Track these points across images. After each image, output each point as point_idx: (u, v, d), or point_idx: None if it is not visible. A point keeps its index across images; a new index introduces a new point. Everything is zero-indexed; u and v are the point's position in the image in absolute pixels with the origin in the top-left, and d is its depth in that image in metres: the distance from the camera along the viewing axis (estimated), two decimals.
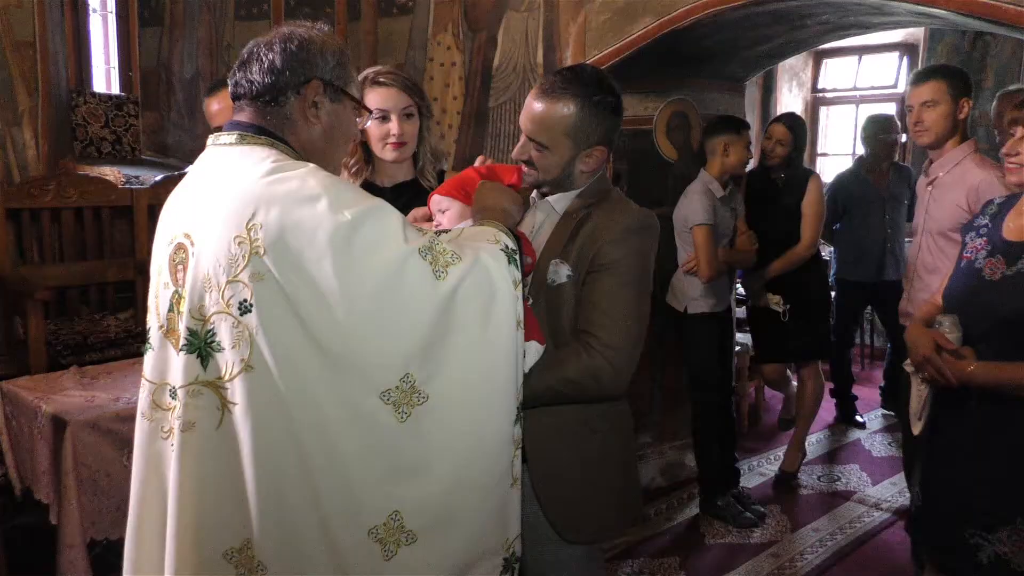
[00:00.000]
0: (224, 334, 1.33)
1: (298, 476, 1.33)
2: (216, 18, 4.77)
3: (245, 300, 1.30)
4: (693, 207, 3.46)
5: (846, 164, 6.68)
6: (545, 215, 1.79)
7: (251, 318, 1.30)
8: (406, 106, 2.18)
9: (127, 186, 4.15)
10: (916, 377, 2.07)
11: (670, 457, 4.15)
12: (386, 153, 2.20)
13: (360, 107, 1.58)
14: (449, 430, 1.38)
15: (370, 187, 2.27)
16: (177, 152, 4.98)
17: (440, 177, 2.30)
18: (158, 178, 4.31)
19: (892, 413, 4.97)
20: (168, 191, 1.56)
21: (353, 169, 2.28)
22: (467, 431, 1.40)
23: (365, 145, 2.23)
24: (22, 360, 3.59)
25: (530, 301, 1.69)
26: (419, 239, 1.38)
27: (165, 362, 1.45)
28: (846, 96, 7.07)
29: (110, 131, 4.65)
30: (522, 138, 1.75)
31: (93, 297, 4.01)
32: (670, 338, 3.91)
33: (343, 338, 1.31)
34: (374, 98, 2.17)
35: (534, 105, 1.71)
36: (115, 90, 4.94)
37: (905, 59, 6.61)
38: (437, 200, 1.72)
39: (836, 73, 7.15)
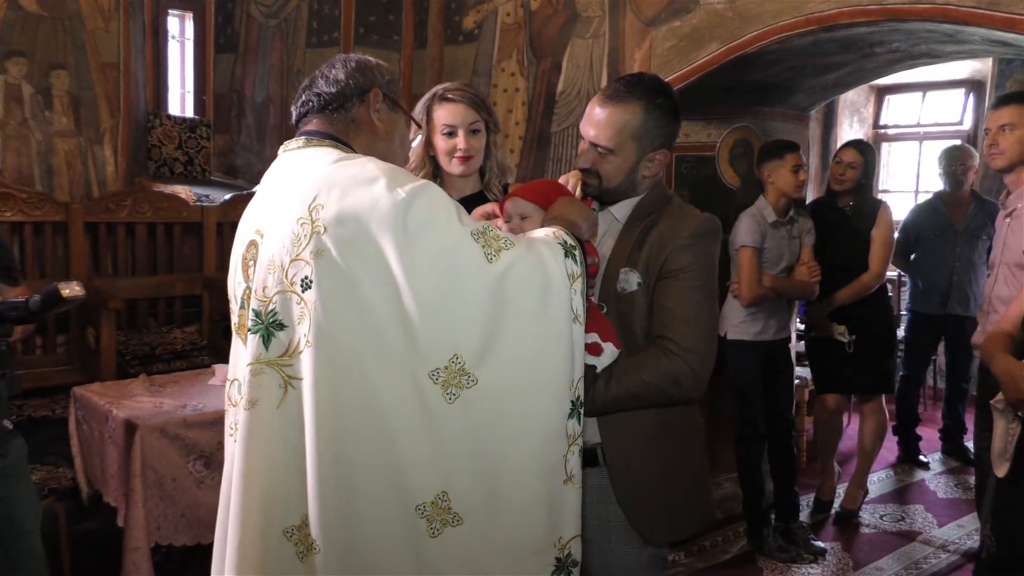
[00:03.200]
0: (286, 312, 1.38)
1: (355, 451, 1.35)
2: (288, 45, 4.93)
3: (307, 277, 1.35)
4: (740, 229, 3.48)
5: (908, 201, 6.57)
6: (607, 224, 1.80)
7: (311, 294, 1.34)
8: (473, 121, 2.22)
9: (198, 204, 4.28)
10: (1004, 415, 1.96)
11: (726, 489, 4.05)
12: (453, 167, 2.24)
13: (411, 121, 1.72)
14: (497, 416, 1.38)
15: None
16: (245, 173, 5.12)
17: (505, 190, 2.33)
18: (227, 197, 4.44)
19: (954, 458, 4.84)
20: (236, 209, 1.65)
21: None
22: (515, 419, 1.39)
23: (433, 159, 2.28)
24: (93, 368, 3.70)
25: (604, 310, 1.70)
26: (472, 223, 1.42)
27: (236, 357, 1.51)
28: (909, 133, 6.96)
29: (183, 152, 4.81)
30: (583, 145, 1.77)
31: (161, 310, 4.13)
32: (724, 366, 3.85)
33: (395, 314, 1.33)
34: (442, 113, 2.22)
35: (599, 111, 1.73)
36: (189, 113, 5.12)
37: (972, 96, 6.50)
38: (520, 204, 1.70)
39: (898, 109, 7.06)
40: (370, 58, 1.64)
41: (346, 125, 1.56)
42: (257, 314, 1.41)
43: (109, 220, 3.94)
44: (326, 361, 1.34)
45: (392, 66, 5.12)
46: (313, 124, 1.56)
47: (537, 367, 1.40)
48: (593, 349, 1.60)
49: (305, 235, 1.35)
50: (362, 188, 1.36)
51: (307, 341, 1.35)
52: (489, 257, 1.37)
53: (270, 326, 1.40)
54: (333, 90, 1.56)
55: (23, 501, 2.28)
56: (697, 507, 1.82)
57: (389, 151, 1.61)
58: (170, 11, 4.94)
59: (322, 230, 1.34)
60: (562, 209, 1.64)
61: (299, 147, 1.52)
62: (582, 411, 1.47)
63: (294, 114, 1.61)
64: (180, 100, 5.16)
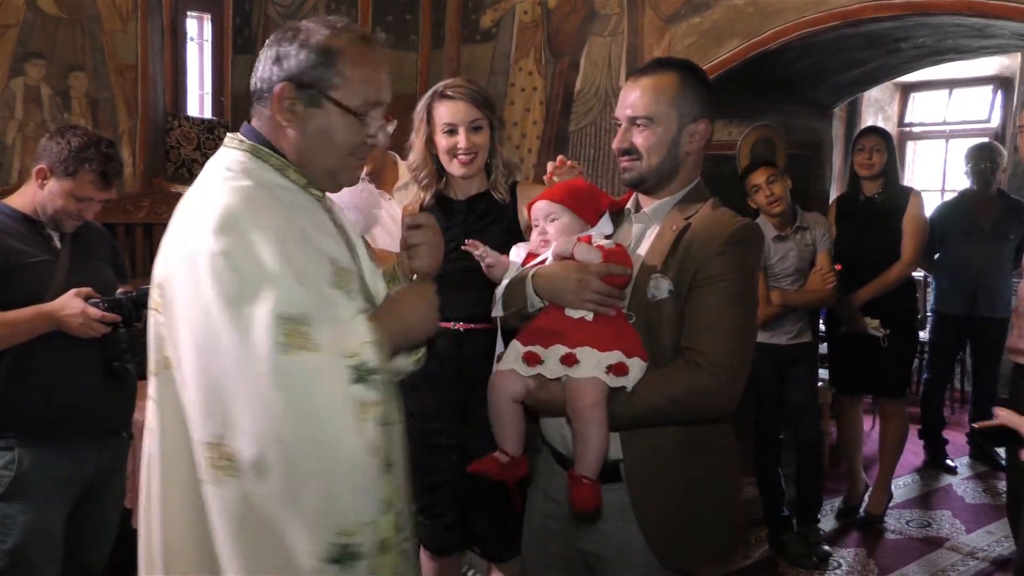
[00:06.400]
0: (151, 328, 1.40)
1: (189, 484, 1.33)
2: None
3: (158, 303, 1.37)
4: None
5: (934, 200, 6.45)
6: (644, 226, 1.72)
7: (162, 319, 1.36)
8: (474, 119, 2.18)
9: None
10: None
11: (748, 494, 3.99)
12: (454, 167, 2.21)
13: (348, 112, 1.36)
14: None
15: (443, 201, 2.29)
16: None
17: (512, 190, 2.30)
18: None
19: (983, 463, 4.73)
20: None
21: (424, 183, 2.30)
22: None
23: (436, 158, 2.25)
24: None
25: (633, 320, 1.63)
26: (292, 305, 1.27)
27: None
28: (935, 130, 6.84)
29: (200, 153, 4.81)
30: (619, 131, 1.70)
31: None
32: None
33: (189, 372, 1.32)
34: (442, 111, 2.19)
35: (634, 86, 1.68)
36: (207, 114, 5.12)
37: (999, 93, 6.37)
38: (545, 207, 1.67)
39: (924, 107, 6.94)
40: (308, 31, 1.35)
41: (265, 122, 1.39)
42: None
43: (127, 221, 3.95)
44: (173, 391, 1.35)
45: (409, 66, 5.07)
46: (253, 115, 1.42)
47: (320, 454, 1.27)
48: (618, 369, 1.54)
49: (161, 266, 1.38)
50: (188, 260, 1.29)
51: (161, 364, 1.37)
52: (286, 348, 1.23)
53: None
54: (257, 78, 1.39)
55: (120, 483, 2.52)
56: (721, 536, 1.70)
57: (311, 156, 1.38)
58: (188, 13, 4.93)
59: (157, 278, 1.36)
60: (406, 304, 1.44)
61: (227, 146, 1.42)
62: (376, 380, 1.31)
63: None
64: (199, 101, 5.15)
